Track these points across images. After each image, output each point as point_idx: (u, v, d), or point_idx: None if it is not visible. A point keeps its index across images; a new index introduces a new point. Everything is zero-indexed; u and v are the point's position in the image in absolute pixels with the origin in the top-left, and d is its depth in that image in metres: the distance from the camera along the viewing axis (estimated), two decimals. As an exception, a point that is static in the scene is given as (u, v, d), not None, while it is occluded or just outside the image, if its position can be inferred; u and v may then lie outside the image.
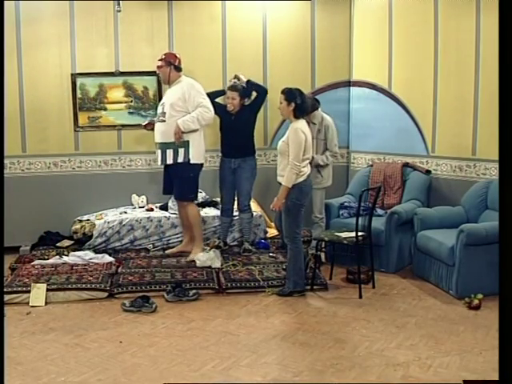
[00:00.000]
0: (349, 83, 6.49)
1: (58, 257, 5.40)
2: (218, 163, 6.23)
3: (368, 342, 3.78)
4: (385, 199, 5.79)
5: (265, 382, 3.30)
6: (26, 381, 3.29)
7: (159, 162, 5.37)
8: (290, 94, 4.52)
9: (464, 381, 3.17)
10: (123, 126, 6.20)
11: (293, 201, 4.52)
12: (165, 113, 5.24)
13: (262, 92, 5.55)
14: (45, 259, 5.38)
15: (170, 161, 5.27)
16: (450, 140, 5.66)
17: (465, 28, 5.37)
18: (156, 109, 5.60)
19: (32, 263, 5.26)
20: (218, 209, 6.05)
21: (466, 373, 3.33)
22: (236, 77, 5.63)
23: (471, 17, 5.28)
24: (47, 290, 4.54)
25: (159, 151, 5.34)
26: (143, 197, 6.19)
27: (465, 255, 4.50)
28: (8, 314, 4.24)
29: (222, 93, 5.73)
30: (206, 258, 5.21)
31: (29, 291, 4.53)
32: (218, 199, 6.16)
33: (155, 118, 5.43)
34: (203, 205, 6.06)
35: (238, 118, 5.50)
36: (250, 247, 5.65)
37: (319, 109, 5.52)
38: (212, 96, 5.55)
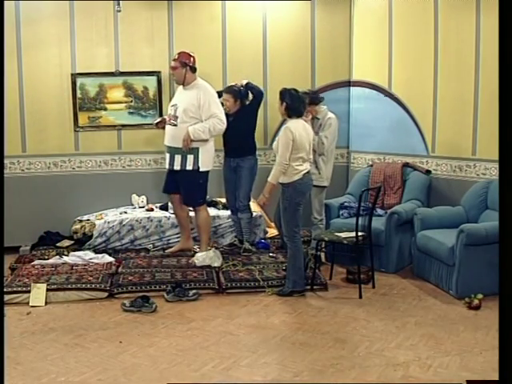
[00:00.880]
0: (349, 83, 6.49)
1: (57, 257, 5.40)
2: (216, 163, 6.23)
3: (368, 342, 3.78)
4: (385, 199, 5.79)
5: (265, 382, 3.30)
6: (26, 381, 3.29)
7: (167, 166, 5.33)
8: (282, 94, 4.61)
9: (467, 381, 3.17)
10: (123, 126, 6.20)
11: (288, 199, 4.54)
12: (177, 116, 5.17)
13: (258, 95, 5.56)
14: (45, 259, 5.38)
15: (177, 166, 5.21)
16: (450, 140, 5.65)
17: (465, 28, 5.37)
18: (156, 108, 5.61)
19: (32, 263, 5.26)
20: (219, 209, 6.07)
21: (466, 373, 3.33)
22: (235, 84, 5.64)
23: (471, 17, 5.28)
24: (47, 289, 4.54)
25: (168, 155, 5.30)
26: (143, 197, 6.19)
27: (465, 255, 4.50)
28: (8, 314, 4.24)
29: (219, 95, 5.73)
30: (205, 256, 5.21)
31: (29, 291, 4.52)
32: (219, 199, 6.19)
33: (166, 117, 5.34)
34: (203, 205, 6.07)
35: (237, 118, 5.52)
36: (250, 247, 5.65)
37: (325, 106, 5.48)
38: None
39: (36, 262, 5.30)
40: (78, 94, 6.05)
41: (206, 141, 5.19)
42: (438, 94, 5.67)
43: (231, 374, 3.38)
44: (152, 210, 6.04)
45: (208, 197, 6.20)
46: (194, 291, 4.65)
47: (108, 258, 5.36)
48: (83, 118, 6.12)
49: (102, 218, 5.84)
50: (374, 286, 4.91)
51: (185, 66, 5.17)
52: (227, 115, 5.49)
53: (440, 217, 5.15)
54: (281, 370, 3.43)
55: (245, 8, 6.25)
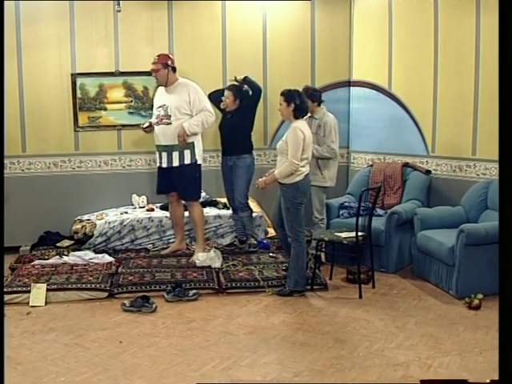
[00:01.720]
0: (349, 83, 6.49)
1: (57, 257, 5.40)
2: (216, 163, 6.26)
3: (368, 342, 3.78)
4: (385, 199, 5.79)
5: (265, 382, 3.30)
6: (25, 381, 3.29)
7: (164, 165, 5.36)
8: (289, 96, 4.55)
9: (464, 381, 3.17)
10: (123, 125, 6.20)
11: (291, 200, 4.54)
12: (170, 115, 5.24)
13: (256, 90, 5.55)
14: (45, 259, 5.38)
15: (176, 163, 5.31)
16: (450, 140, 5.65)
17: (465, 28, 5.37)
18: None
19: (32, 263, 5.26)
20: (219, 208, 6.07)
21: (466, 373, 3.33)
22: (235, 78, 5.63)
23: (471, 17, 5.28)
24: (47, 289, 4.54)
25: (164, 154, 5.34)
26: (143, 197, 6.19)
27: (465, 255, 4.50)
28: (8, 314, 4.24)
29: (222, 92, 5.74)
30: (205, 257, 5.21)
31: (29, 291, 4.52)
32: (219, 199, 6.19)
33: (153, 120, 5.39)
34: (203, 204, 6.06)
35: (234, 116, 5.53)
36: (255, 242, 5.71)
37: (322, 105, 5.47)
38: (213, 96, 5.63)
39: (36, 262, 5.30)
40: (78, 94, 6.06)
41: (197, 134, 5.34)
42: (438, 93, 5.67)
43: (231, 374, 3.38)
44: (152, 210, 6.05)
45: (208, 196, 6.23)
46: (194, 291, 4.65)
47: (108, 258, 5.36)
48: (83, 118, 6.12)
49: (102, 218, 5.84)
50: (374, 286, 4.91)
51: (166, 67, 5.26)
52: (225, 112, 5.51)
53: (440, 217, 5.15)
54: (281, 370, 3.43)
55: (245, 8, 6.25)
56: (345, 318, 4.24)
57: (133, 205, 6.20)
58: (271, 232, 6.04)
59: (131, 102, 6.18)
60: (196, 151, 5.35)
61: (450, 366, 3.44)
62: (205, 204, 6.09)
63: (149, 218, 5.85)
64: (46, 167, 6.14)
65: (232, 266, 5.20)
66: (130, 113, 6.20)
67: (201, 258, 5.23)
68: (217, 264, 5.18)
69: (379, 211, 5.54)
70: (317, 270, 4.97)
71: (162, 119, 5.30)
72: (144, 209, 6.10)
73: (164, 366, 3.48)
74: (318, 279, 4.89)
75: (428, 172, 5.76)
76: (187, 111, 5.25)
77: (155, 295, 4.60)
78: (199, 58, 6.15)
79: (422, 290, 4.82)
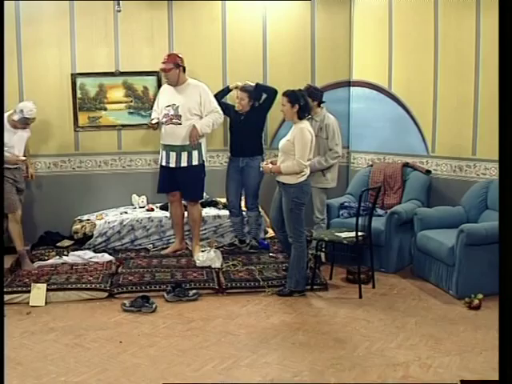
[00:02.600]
0: (349, 83, 6.49)
1: (57, 257, 5.40)
2: (217, 163, 6.26)
3: (368, 342, 3.78)
4: (385, 199, 5.79)
5: (265, 382, 3.30)
6: (25, 381, 3.29)
7: (172, 165, 5.36)
8: (294, 96, 4.54)
9: (464, 381, 3.17)
10: (123, 125, 6.20)
11: (294, 200, 4.54)
12: (180, 115, 5.25)
13: (272, 93, 5.53)
14: (45, 259, 5.38)
15: (184, 163, 5.33)
16: (450, 140, 5.65)
17: (465, 28, 5.37)
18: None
19: (32, 263, 5.26)
20: (219, 208, 6.07)
21: (466, 373, 3.33)
22: (245, 83, 5.63)
23: (471, 17, 5.28)
24: (47, 289, 4.54)
25: (173, 154, 5.34)
26: (143, 197, 6.19)
27: (465, 255, 4.50)
28: (8, 314, 4.23)
29: (226, 91, 5.74)
30: (205, 257, 5.21)
31: (29, 291, 4.52)
32: (219, 199, 6.19)
33: (160, 119, 5.34)
34: (203, 205, 6.07)
35: (248, 118, 5.53)
36: (256, 244, 5.70)
37: (322, 105, 5.47)
38: (219, 96, 5.64)
39: (36, 262, 5.30)
40: (78, 94, 6.06)
41: (203, 135, 5.38)
42: (438, 93, 5.68)
43: (231, 374, 3.38)
44: (152, 210, 6.05)
45: (208, 196, 6.23)
46: (194, 291, 4.65)
47: (108, 257, 5.36)
48: (83, 118, 6.12)
49: (102, 218, 5.84)
50: (373, 286, 4.91)
51: (178, 66, 5.27)
52: (238, 115, 5.51)
53: (440, 217, 5.15)
54: (281, 370, 3.43)
55: (245, 8, 6.25)
56: (345, 318, 4.24)
57: (133, 205, 6.20)
58: (271, 232, 6.04)
59: (131, 101, 6.18)
60: (203, 152, 5.40)
61: (450, 365, 3.44)
62: (205, 204, 6.09)
63: (148, 218, 5.85)
64: (46, 167, 6.14)
65: (232, 265, 5.20)
66: (130, 113, 6.19)
67: (201, 258, 5.23)
68: (217, 264, 5.18)
69: (379, 211, 5.54)
70: (317, 270, 4.98)
71: (171, 119, 5.28)
72: (144, 209, 6.10)
73: (164, 365, 3.48)
74: (317, 279, 4.89)
75: (428, 172, 5.76)
76: (197, 112, 5.27)
77: (155, 295, 4.60)
78: (199, 58, 6.14)
79: (421, 290, 4.82)
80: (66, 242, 5.82)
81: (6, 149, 5.05)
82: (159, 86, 6.11)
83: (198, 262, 5.21)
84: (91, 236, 5.71)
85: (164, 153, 5.41)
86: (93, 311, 4.40)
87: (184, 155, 5.32)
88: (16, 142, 5.19)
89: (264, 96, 5.62)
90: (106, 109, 6.14)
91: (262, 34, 6.30)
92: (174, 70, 5.24)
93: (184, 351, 3.68)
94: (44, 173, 6.12)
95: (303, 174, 4.55)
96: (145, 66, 6.05)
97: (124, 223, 5.77)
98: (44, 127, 6.03)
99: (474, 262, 4.51)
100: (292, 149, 4.49)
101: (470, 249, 4.49)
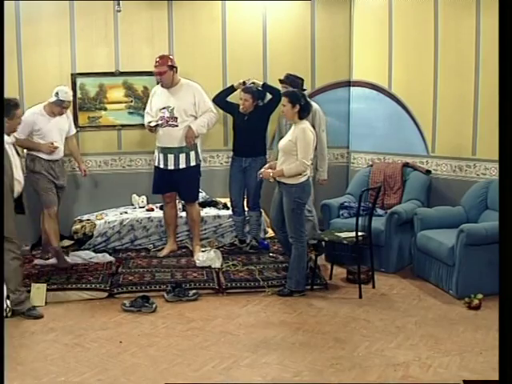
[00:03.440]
0: (349, 83, 6.49)
1: (57, 257, 5.40)
2: (217, 163, 6.25)
3: (368, 342, 3.78)
4: (385, 199, 5.79)
5: (265, 382, 3.30)
6: (25, 381, 3.29)
7: (171, 167, 5.35)
8: (294, 97, 4.54)
9: (464, 381, 3.17)
10: (123, 125, 6.20)
11: (296, 200, 4.54)
12: (176, 117, 5.25)
13: (277, 94, 5.51)
14: (45, 259, 5.37)
15: (183, 165, 5.33)
16: (450, 140, 5.65)
17: (465, 28, 5.37)
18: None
19: (32, 263, 5.26)
20: (219, 208, 6.07)
21: (466, 373, 3.33)
22: (252, 82, 5.62)
23: (471, 17, 5.28)
24: (47, 290, 4.54)
25: (171, 156, 5.33)
26: (143, 197, 6.19)
27: (465, 255, 4.50)
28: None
29: (231, 89, 5.72)
30: (205, 257, 5.21)
31: (29, 291, 4.52)
32: (219, 199, 6.19)
33: (158, 121, 5.30)
34: (203, 205, 6.07)
35: (251, 118, 5.52)
36: (256, 244, 5.70)
37: (304, 93, 5.41)
38: (223, 95, 5.65)
39: (36, 261, 5.30)
40: (78, 94, 6.05)
41: (199, 136, 5.40)
42: (438, 93, 5.67)
43: (231, 374, 3.38)
44: (152, 210, 6.04)
45: (208, 196, 6.23)
46: (194, 291, 4.65)
47: (108, 258, 5.36)
48: (83, 118, 6.11)
49: (102, 218, 5.84)
50: (373, 286, 4.91)
51: (172, 68, 5.25)
52: (242, 115, 5.51)
53: (440, 217, 5.15)
54: (281, 370, 3.43)
55: (245, 8, 6.25)
56: (345, 318, 4.24)
57: (133, 205, 6.20)
58: (271, 232, 6.04)
59: (131, 101, 6.18)
60: (199, 152, 5.42)
61: (450, 365, 3.44)
62: (205, 204, 6.10)
63: (148, 217, 5.85)
64: (46, 167, 6.13)
65: (232, 265, 5.20)
66: (130, 113, 6.19)
67: (201, 258, 5.23)
68: (217, 264, 5.18)
69: (379, 211, 5.54)
70: (317, 270, 4.98)
71: (167, 121, 5.28)
72: (144, 209, 6.09)
73: (164, 365, 3.48)
74: (317, 279, 4.90)
75: (428, 172, 5.76)
76: (193, 113, 5.28)
77: (155, 295, 4.60)
78: (199, 58, 6.15)
79: (421, 290, 4.82)
80: (66, 242, 5.82)
81: (39, 135, 5.15)
82: (159, 85, 6.12)
83: (197, 262, 5.21)
84: (91, 236, 5.71)
85: (161, 155, 5.39)
86: (93, 311, 4.40)
87: (182, 157, 5.32)
88: (51, 129, 5.23)
89: (268, 96, 5.61)
90: (105, 109, 6.14)
91: (262, 33, 6.30)
92: (168, 72, 5.22)
93: (184, 351, 3.68)
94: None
95: (305, 173, 4.54)
96: (145, 66, 6.03)
97: (124, 223, 5.78)
98: (44, 127, 6.03)
99: (473, 262, 4.51)
100: (294, 149, 4.49)
101: (469, 249, 4.49)
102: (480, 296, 4.35)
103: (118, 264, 5.26)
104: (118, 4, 5.49)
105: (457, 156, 5.61)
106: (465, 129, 5.46)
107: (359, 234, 4.75)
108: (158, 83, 5.42)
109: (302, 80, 5.51)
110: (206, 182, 6.00)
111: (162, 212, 5.98)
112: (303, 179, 4.55)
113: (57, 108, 5.23)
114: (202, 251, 5.41)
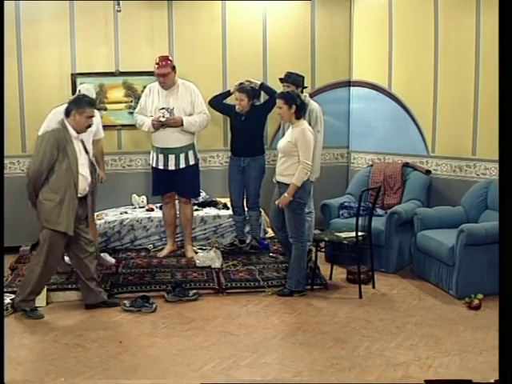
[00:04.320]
0: (349, 83, 6.49)
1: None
2: (217, 163, 6.24)
3: (368, 342, 3.78)
4: (385, 199, 5.79)
5: (265, 382, 3.30)
6: (26, 381, 3.28)
7: (172, 167, 5.34)
8: (290, 97, 4.53)
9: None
10: (123, 125, 6.20)
11: (297, 200, 4.54)
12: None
13: (273, 96, 5.51)
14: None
15: (183, 164, 5.35)
16: (450, 140, 5.65)
17: (465, 28, 5.37)
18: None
19: (32, 263, 5.26)
20: (219, 208, 6.07)
21: (466, 373, 3.33)
22: (248, 80, 5.62)
23: (471, 17, 5.28)
24: (47, 290, 4.54)
25: (171, 156, 5.32)
26: (143, 197, 6.19)
27: (465, 255, 4.50)
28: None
29: (227, 94, 5.73)
30: (205, 257, 5.21)
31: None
32: (219, 199, 6.19)
33: (164, 116, 5.26)
34: (203, 205, 6.07)
35: (249, 118, 5.51)
36: (256, 244, 5.70)
37: (304, 92, 5.38)
38: (220, 98, 5.66)
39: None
40: (78, 94, 6.05)
41: (194, 134, 5.41)
42: (438, 93, 5.68)
43: (231, 374, 3.38)
44: (152, 210, 6.04)
45: (208, 196, 6.23)
46: (194, 291, 4.65)
47: (109, 259, 5.36)
48: (83, 118, 6.11)
49: (102, 218, 5.84)
50: (373, 286, 4.91)
51: (173, 69, 5.24)
52: (239, 115, 5.50)
53: (440, 217, 5.15)
54: (281, 370, 3.43)
55: (245, 8, 6.25)
56: (345, 318, 4.24)
57: (132, 205, 6.20)
58: (271, 232, 6.04)
59: (131, 101, 6.17)
60: (196, 151, 5.44)
61: (449, 365, 3.44)
62: (205, 204, 6.10)
63: (148, 217, 5.85)
64: (46, 167, 6.12)
65: (232, 265, 5.20)
66: (130, 113, 6.16)
67: (201, 258, 5.23)
68: (217, 264, 5.18)
69: (379, 211, 5.54)
70: (317, 270, 4.98)
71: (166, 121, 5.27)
72: (144, 209, 6.09)
73: (164, 365, 3.48)
74: (318, 279, 4.90)
75: (428, 172, 5.76)
76: (191, 112, 5.30)
77: (155, 295, 4.60)
78: (199, 58, 6.15)
79: (421, 290, 4.82)
80: (66, 242, 5.82)
81: None
82: (159, 85, 6.12)
83: (197, 262, 5.21)
84: (91, 236, 5.71)
85: (161, 156, 5.37)
86: (93, 311, 4.39)
87: (182, 157, 5.33)
88: None
89: (264, 96, 5.61)
90: (106, 109, 6.13)
91: (262, 33, 6.30)
92: (171, 73, 5.21)
93: (184, 351, 3.68)
94: (44, 173, 6.11)
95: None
96: (145, 66, 6.03)
97: (124, 223, 5.78)
98: (44, 127, 6.03)
99: (473, 262, 4.51)
100: (294, 150, 4.49)
101: (469, 249, 4.49)
102: (480, 296, 4.36)
103: (117, 264, 5.25)
104: (118, 4, 5.49)
105: (457, 156, 5.61)
106: (465, 129, 5.46)
107: (359, 234, 4.75)
108: (160, 84, 5.35)
109: (303, 77, 5.50)
110: (206, 182, 5.99)
111: (161, 212, 5.98)
112: (304, 179, 4.54)
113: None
114: (203, 249, 5.42)
